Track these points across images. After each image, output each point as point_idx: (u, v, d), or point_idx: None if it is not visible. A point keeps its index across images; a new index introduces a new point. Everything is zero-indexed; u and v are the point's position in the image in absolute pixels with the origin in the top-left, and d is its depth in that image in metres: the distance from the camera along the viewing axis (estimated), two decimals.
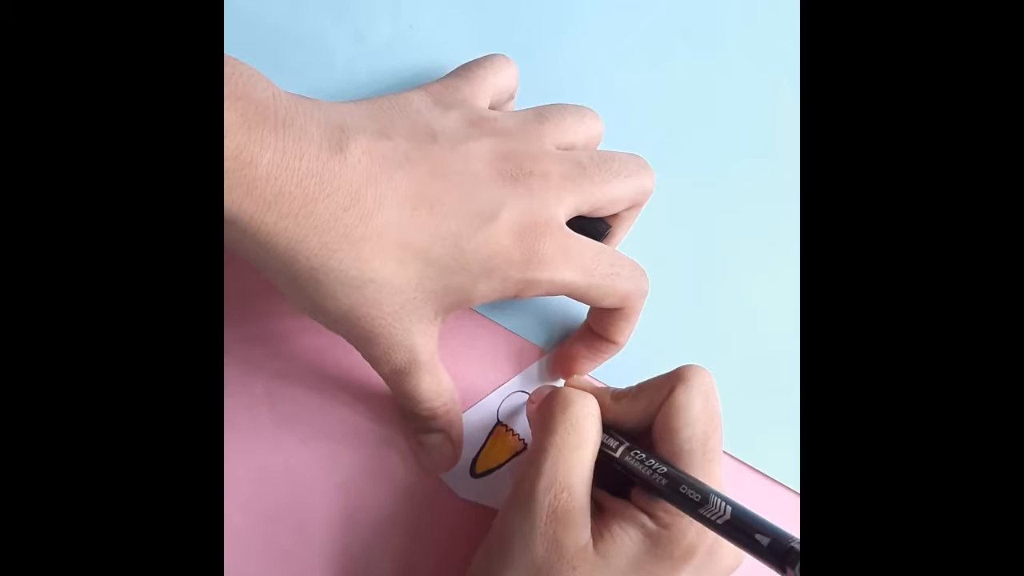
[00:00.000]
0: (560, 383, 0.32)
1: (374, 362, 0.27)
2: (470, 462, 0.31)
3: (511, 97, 0.32)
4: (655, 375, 0.29)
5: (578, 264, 0.26)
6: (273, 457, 0.31)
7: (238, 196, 0.21)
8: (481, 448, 0.32)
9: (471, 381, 0.32)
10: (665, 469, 0.25)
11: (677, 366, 0.29)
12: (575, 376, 0.31)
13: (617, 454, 0.27)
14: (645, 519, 0.26)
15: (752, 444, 0.32)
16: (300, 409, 0.31)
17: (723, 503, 0.23)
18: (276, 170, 0.22)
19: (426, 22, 0.35)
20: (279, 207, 0.22)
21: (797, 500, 0.32)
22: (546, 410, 0.27)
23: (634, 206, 0.30)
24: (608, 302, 0.28)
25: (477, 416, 0.32)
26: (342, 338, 0.27)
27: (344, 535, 0.31)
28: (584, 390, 0.28)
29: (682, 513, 0.25)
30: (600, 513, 0.26)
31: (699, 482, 0.25)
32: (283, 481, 0.31)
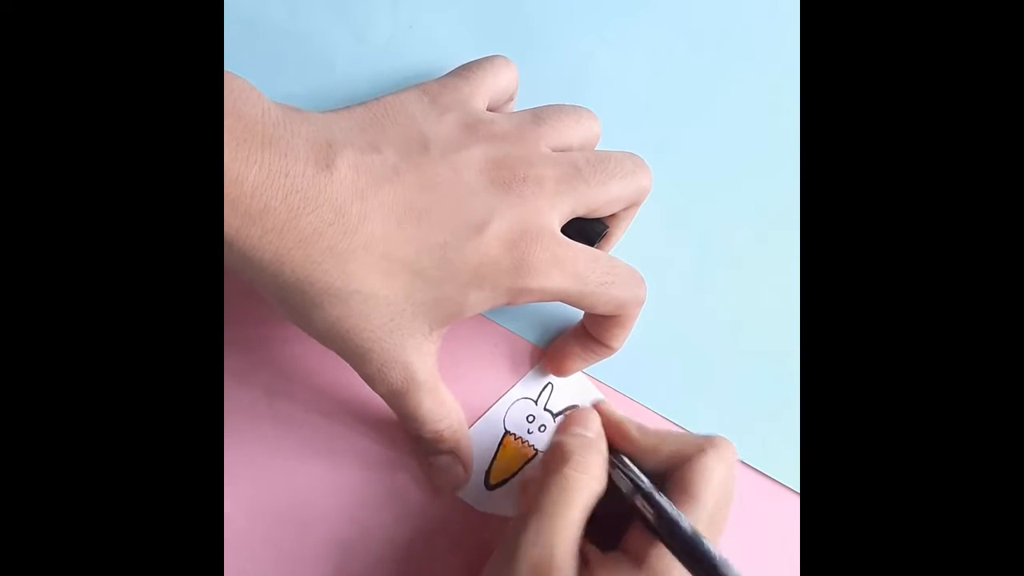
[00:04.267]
0: (588, 402, 0.30)
1: (371, 381, 0.27)
2: (483, 475, 0.31)
3: (510, 99, 0.31)
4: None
5: (571, 271, 0.26)
6: (274, 457, 0.31)
7: (224, 211, 0.22)
8: (492, 460, 0.31)
9: (473, 387, 0.32)
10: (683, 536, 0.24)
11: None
12: (604, 403, 0.29)
13: (636, 500, 0.26)
14: (635, 574, 0.25)
15: (752, 444, 0.32)
16: (301, 409, 0.31)
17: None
18: (261, 187, 0.22)
19: (426, 22, 0.35)
20: (264, 222, 0.22)
21: (797, 500, 0.32)
22: (546, 463, 0.27)
23: (632, 205, 0.30)
24: (603, 309, 0.28)
25: (484, 429, 0.32)
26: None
27: (345, 534, 0.31)
28: (610, 419, 0.28)
29: (675, 562, 0.25)
30: (587, 568, 0.26)
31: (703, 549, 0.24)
32: (284, 481, 0.31)
